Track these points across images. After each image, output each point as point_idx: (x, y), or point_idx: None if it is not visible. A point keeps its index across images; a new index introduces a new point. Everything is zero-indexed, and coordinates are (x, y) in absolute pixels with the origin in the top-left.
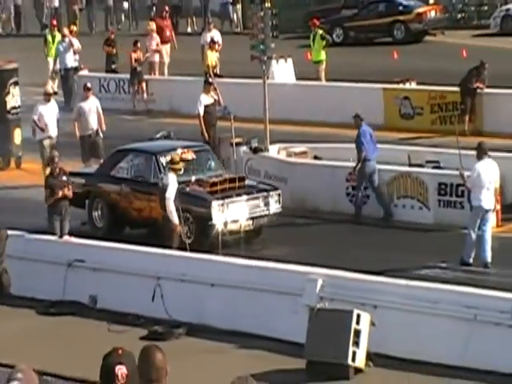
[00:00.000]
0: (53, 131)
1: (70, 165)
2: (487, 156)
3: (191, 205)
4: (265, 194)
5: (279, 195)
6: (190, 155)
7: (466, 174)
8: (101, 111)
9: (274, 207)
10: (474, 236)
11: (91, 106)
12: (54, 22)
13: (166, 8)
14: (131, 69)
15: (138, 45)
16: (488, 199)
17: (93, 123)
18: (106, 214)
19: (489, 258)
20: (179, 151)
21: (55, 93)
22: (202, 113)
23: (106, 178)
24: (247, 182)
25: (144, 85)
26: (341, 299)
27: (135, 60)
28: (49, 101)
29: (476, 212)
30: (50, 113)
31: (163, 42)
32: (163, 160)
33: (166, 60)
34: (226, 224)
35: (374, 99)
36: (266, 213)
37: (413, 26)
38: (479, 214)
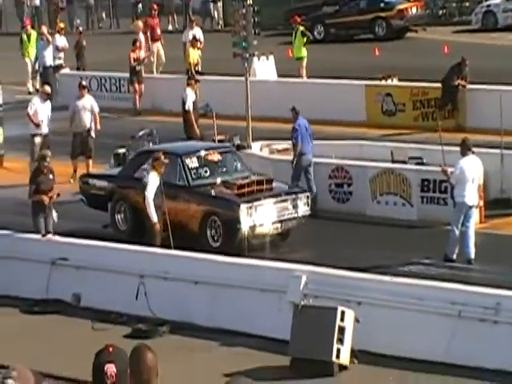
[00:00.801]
0: (45, 129)
1: (59, 163)
2: (471, 152)
3: (218, 208)
4: (293, 196)
5: (308, 197)
6: (215, 156)
7: (450, 170)
8: (96, 110)
9: (303, 209)
10: (457, 232)
11: (85, 104)
12: (28, 22)
13: (155, 6)
14: (130, 68)
15: (137, 44)
16: (471, 195)
17: (86, 122)
18: (130, 217)
19: (472, 255)
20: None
21: (37, 90)
22: (191, 109)
23: (129, 181)
24: (275, 184)
25: (142, 86)
26: (325, 296)
27: (134, 59)
28: (46, 100)
29: (459, 208)
30: (45, 111)
31: (154, 40)
32: (189, 162)
33: (163, 58)
34: (254, 227)
35: (356, 96)
36: (295, 215)
37: (394, 23)
38: (462, 210)
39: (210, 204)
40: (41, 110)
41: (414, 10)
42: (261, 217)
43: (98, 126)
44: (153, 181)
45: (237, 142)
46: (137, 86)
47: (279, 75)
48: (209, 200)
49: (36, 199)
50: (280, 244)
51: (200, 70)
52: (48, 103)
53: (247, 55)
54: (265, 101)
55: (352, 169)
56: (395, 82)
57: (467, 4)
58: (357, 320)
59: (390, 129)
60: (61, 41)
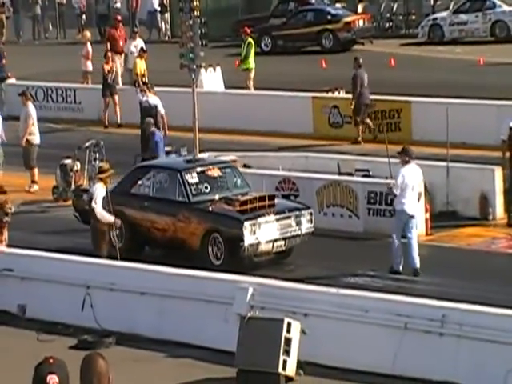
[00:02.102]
0: None
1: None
2: (412, 160)
3: (221, 225)
4: (297, 212)
5: (311, 214)
6: (216, 172)
7: (392, 182)
8: (30, 119)
9: (306, 226)
10: (397, 242)
11: (21, 114)
12: None
13: (119, 17)
14: (103, 80)
15: (109, 54)
16: (411, 204)
17: (20, 131)
18: (126, 234)
19: (417, 264)
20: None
21: None
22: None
23: (125, 196)
24: (277, 200)
25: (116, 97)
26: (271, 308)
27: (108, 71)
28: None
29: (399, 217)
30: None
31: (117, 52)
32: (189, 177)
33: (120, 70)
34: (257, 245)
35: (303, 108)
36: (298, 233)
37: (341, 35)
38: (402, 218)
39: (211, 221)
40: None
41: (360, 22)
42: (264, 234)
43: (23, 135)
44: (100, 192)
45: (184, 153)
46: (108, 99)
47: (226, 87)
48: (210, 217)
49: None
50: (282, 262)
51: (147, 81)
52: None
53: (194, 66)
54: (212, 112)
55: (299, 180)
56: (342, 94)
57: (414, 17)
58: (303, 331)
59: (336, 141)
60: None
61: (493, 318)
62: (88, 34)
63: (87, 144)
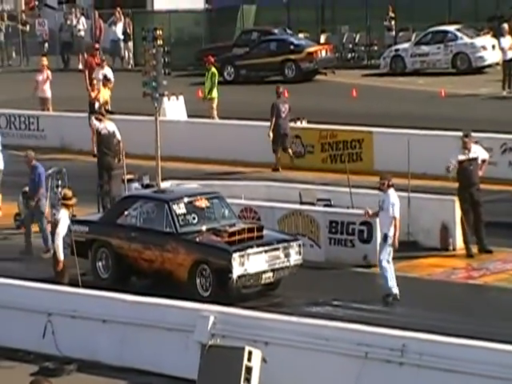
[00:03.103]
0: None
1: None
2: (392, 187)
3: (209, 256)
4: (285, 244)
5: (300, 246)
6: (203, 202)
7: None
8: None
9: (295, 258)
10: (389, 266)
11: None
12: None
13: (97, 46)
14: (90, 108)
15: (95, 82)
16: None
17: None
18: (112, 265)
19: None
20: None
21: None
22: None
23: (111, 227)
24: (265, 231)
25: None
26: (232, 336)
27: (94, 98)
28: None
29: (389, 242)
30: None
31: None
32: (176, 208)
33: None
34: (246, 276)
35: (266, 138)
36: (287, 264)
37: (304, 65)
38: (390, 243)
39: (199, 252)
40: None
41: (323, 52)
42: (253, 265)
43: None
44: (64, 219)
45: (146, 181)
46: None
47: (189, 115)
48: (198, 248)
49: None
50: (270, 294)
51: (110, 108)
52: None
53: (157, 95)
54: (174, 141)
55: (261, 209)
56: (304, 124)
57: (376, 48)
58: (264, 360)
59: (298, 170)
60: None
61: (452, 348)
62: (44, 60)
63: (50, 171)
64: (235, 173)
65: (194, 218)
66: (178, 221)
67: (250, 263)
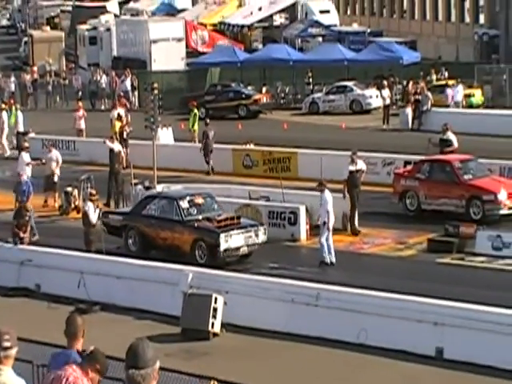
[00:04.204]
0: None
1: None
2: (325, 189)
3: (204, 236)
4: (255, 228)
5: (265, 229)
6: (200, 200)
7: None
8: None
9: (262, 238)
10: (326, 243)
11: (46, 156)
12: (12, 101)
13: (122, 94)
14: (120, 135)
15: (122, 116)
16: (332, 216)
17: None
18: (138, 242)
19: (333, 258)
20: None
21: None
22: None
23: (138, 216)
24: (242, 219)
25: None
26: (204, 287)
27: (121, 128)
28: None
29: (327, 226)
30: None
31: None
32: (182, 203)
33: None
34: (229, 250)
35: (226, 155)
36: (257, 241)
37: (251, 107)
38: (328, 227)
39: (198, 233)
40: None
41: (264, 98)
42: (234, 242)
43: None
44: (92, 209)
45: (146, 184)
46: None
47: (175, 140)
48: (197, 230)
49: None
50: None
51: (125, 136)
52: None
53: (154, 127)
54: (165, 157)
55: (223, 203)
56: (252, 146)
57: (299, 96)
58: (225, 303)
59: (248, 177)
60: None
61: (348, 294)
62: (81, 103)
63: (82, 177)
64: (181, 176)
65: (193, 210)
66: (183, 212)
67: (232, 241)
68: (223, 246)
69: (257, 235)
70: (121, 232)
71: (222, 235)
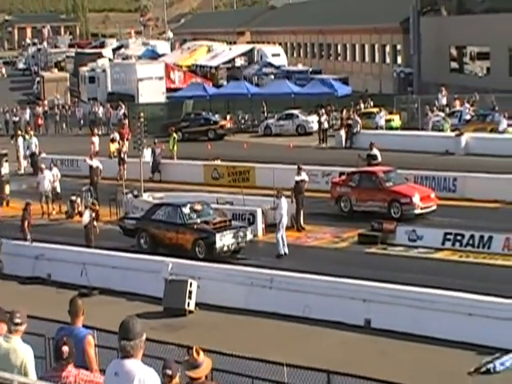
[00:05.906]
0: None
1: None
2: (281, 196)
3: (203, 236)
4: (244, 229)
5: (252, 230)
6: (198, 206)
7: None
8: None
9: (249, 237)
10: (281, 239)
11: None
12: (28, 129)
13: (124, 122)
14: (119, 156)
15: (118, 139)
16: (286, 218)
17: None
18: (149, 241)
19: (286, 250)
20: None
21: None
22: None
23: (149, 220)
24: (233, 222)
25: (125, 165)
26: (182, 274)
27: (118, 149)
28: (42, 172)
29: (283, 224)
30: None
31: (123, 139)
32: (184, 209)
33: (126, 149)
34: (223, 247)
35: (198, 169)
36: (245, 240)
37: (218, 131)
38: (283, 226)
39: (197, 234)
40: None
41: (228, 124)
42: (226, 241)
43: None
44: (87, 215)
45: (135, 193)
46: (121, 166)
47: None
48: (197, 232)
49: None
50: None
51: (122, 155)
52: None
53: (141, 147)
54: (149, 171)
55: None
56: (219, 162)
57: (256, 122)
58: (198, 287)
59: (216, 187)
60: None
61: (296, 279)
62: (96, 130)
63: (84, 188)
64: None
65: (194, 215)
66: (185, 217)
67: (225, 239)
68: (218, 243)
69: (245, 235)
70: (134, 234)
71: (218, 235)
